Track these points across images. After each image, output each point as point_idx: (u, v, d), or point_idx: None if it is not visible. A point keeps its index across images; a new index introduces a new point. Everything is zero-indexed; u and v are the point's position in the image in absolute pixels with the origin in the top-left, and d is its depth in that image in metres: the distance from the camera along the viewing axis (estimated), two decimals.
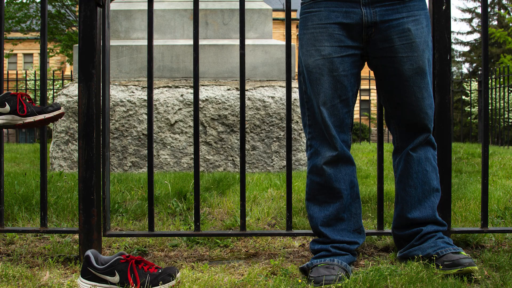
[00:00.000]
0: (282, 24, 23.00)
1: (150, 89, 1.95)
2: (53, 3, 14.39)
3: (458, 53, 28.88)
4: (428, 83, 1.71)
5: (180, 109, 3.96)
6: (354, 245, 1.74)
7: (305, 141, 2.63)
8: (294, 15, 25.00)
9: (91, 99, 1.85)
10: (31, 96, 18.35)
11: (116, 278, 1.52)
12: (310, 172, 1.76)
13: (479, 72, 23.85)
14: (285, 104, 3.66)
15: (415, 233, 1.76)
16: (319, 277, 1.52)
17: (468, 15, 28.80)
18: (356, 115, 20.97)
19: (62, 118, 3.98)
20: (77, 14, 8.32)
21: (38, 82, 9.66)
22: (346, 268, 1.61)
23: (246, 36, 4.29)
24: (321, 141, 1.73)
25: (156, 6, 4.31)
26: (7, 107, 1.64)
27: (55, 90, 9.65)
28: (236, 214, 2.41)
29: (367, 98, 22.19)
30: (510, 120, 9.69)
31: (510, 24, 12.14)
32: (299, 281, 1.59)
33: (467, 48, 29.45)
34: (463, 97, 17.97)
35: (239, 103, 3.69)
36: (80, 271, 1.57)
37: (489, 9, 13.36)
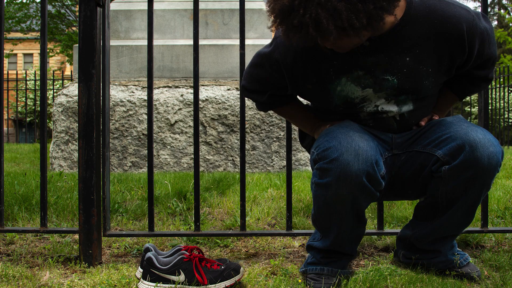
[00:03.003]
0: None
1: (150, 89, 1.95)
2: (53, 3, 14.40)
3: None
4: None
5: (180, 109, 3.96)
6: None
7: None
8: None
9: (91, 99, 1.85)
10: (31, 96, 18.37)
11: (182, 277, 1.54)
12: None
13: None
14: None
15: None
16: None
17: None
18: None
19: (62, 118, 3.98)
20: (77, 14, 8.32)
21: (38, 82, 9.66)
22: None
23: (246, 36, 4.29)
24: None
25: (156, 6, 4.31)
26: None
27: (55, 90, 9.65)
28: (236, 214, 2.41)
29: None
30: (510, 120, 9.69)
31: (510, 24, 12.14)
32: (299, 281, 1.59)
33: None
34: None
35: (239, 103, 3.69)
36: (141, 276, 1.57)
37: (489, 9, 13.36)
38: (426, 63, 1.42)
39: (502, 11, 24.99)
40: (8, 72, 10.07)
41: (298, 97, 1.70)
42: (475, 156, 1.34)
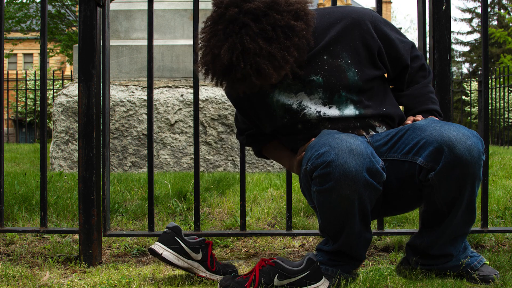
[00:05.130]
0: None
1: (150, 89, 1.95)
2: (53, 3, 14.40)
3: (458, 53, 28.89)
4: None
5: (180, 109, 3.96)
6: None
7: None
8: None
9: (91, 99, 1.85)
10: (31, 96, 18.37)
11: (199, 256, 1.61)
12: None
13: (479, 72, 23.83)
14: None
15: None
16: None
17: (468, 15, 28.81)
18: None
19: (62, 118, 3.98)
20: (77, 14, 8.32)
21: (38, 82, 9.66)
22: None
23: None
24: None
25: (156, 6, 4.31)
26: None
27: (55, 90, 9.65)
28: (236, 214, 2.41)
29: None
30: (510, 120, 9.70)
31: (510, 24, 12.12)
32: None
33: (467, 48, 29.46)
34: (463, 97, 17.98)
35: None
36: (159, 240, 1.63)
37: (489, 9, 13.34)
38: (343, 56, 1.51)
39: (502, 11, 24.99)
40: (8, 72, 10.06)
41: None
42: (456, 155, 1.33)
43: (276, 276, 1.45)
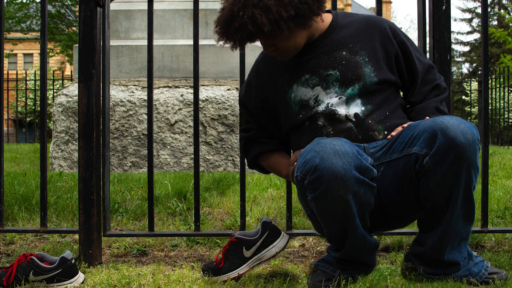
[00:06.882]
0: None
1: (150, 89, 1.95)
2: (53, 3, 14.39)
3: (458, 53, 28.89)
4: None
5: (180, 109, 3.96)
6: None
7: None
8: None
9: (91, 99, 1.85)
10: (31, 96, 18.39)
11: None
12: None
13: (479, 72, 23.83)
14: None
15: None
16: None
17: (468, 15, 28.81)
18: None
19: (62, 118, 3.98)
20: (77, 14, 8.32)
21: (38, 82, 9.66)
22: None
23: None
24: None
25: (156, 6, 4.31)
26: None
27: (55, 90, 9.65)
28: (236, 214, 2.41)
29: None
30: (510, 120, 9.69)
31: (510, 24, 12.11)
32: (299, 281, 1.59)
33: (467, 48, 29.45)
34: (463, 97, 17.97)
35: None
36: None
37: (489, 9, 13.33)
38: (361, 54, 1.59)
39: (502, 11, 24.99)
40: (8, 72, 10.06)
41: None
42: (450, 137, 1.35)
43: (244, 248, 1.66)
